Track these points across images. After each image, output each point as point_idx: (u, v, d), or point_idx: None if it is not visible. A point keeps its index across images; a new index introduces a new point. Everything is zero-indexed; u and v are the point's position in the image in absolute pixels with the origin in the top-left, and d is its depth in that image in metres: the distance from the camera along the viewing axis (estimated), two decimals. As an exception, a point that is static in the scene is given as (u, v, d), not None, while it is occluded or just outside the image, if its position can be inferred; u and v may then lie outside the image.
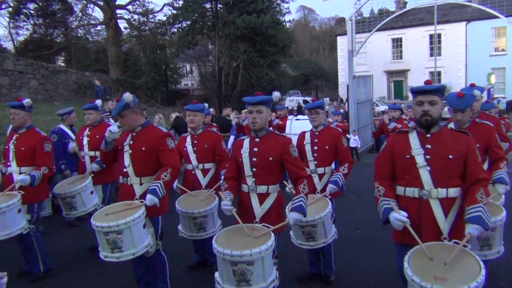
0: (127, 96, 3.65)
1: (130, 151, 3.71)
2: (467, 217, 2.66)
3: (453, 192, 2.79)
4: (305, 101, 22.68)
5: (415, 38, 33.77)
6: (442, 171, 2.79)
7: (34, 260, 4.61)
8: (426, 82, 2.94)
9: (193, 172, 4.68)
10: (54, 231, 6.28)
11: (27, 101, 4.55)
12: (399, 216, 2.72)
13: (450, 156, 2.78)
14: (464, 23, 31.61)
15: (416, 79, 31.55)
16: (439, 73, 30.39)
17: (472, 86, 3.93)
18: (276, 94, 3.45)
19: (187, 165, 4.76)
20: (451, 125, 3.86)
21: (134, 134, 3.78)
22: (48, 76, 19.42)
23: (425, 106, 2.81)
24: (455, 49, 32.05)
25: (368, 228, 6.26)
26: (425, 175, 2.81)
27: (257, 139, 3.40)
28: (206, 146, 4.66)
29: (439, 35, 30.92)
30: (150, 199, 3.44)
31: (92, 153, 5.35)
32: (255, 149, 3.37)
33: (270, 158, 3.32)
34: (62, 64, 32.66)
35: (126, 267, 4.23)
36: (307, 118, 4.74)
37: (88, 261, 5.05)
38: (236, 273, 2.82)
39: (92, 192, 4.88)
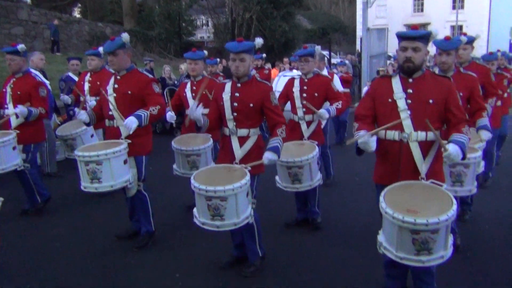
0: (125, 36, 3.78)
1: (115, 95, 3.83)
2: (452, 138, 2.72)
3: (432, 135, 2.84)
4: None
5: (438, -10, 32.49)
6: (422, 115, 2.82)
7: (31, 195, 4.92)
8: (412, 27, 2.94)
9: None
10: (65, 174, 6.53)
11: (21, 47, 4.70)
12: (359, 138, 2.77)
13: (430, 101, 2.82)
14: (490, -26, 30.17)
15: (437, 33, 30.51)
16: (460, 27, 29.29)
17: (464, 34, 3.96)
18: (258, 41, 3.46)
19: (186, 111, 4.90)
20: (436, 70, 3.88)
21: (118, 77, 3.89)
22: (62, 26, 19.44)
23: (408, 52, 2.81)
24: (479, 2, 30.70)
25: (366, 175, 6.38)
26: (406, 118, 2.87)
27: (239, 85, 3.44)
28: (204, 92, 4.78)
29: (463, -13, 29.65)
30: (132, 120, 3.55)
31: (93, 98, 5.49)
32: (237, 94, 3.42)
33: (251, 105, 3.37)
34: (78, 15, 32.54)
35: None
36: (295, 74, 4.80)
37: (93, 203, 5.31)
38: (210, 208, 2.99)
39: (92, 136, 5.11)
